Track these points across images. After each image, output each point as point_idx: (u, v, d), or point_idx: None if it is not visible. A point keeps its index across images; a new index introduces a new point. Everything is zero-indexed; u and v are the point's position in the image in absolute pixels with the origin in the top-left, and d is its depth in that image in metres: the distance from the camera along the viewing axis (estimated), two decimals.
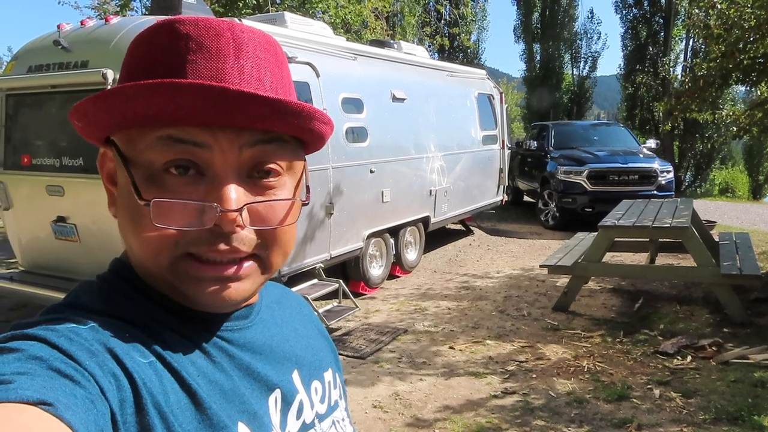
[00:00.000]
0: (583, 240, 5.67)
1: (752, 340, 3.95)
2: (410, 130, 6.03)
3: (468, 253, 7.44)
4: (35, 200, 4.13)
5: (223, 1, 9.06)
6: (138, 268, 0.53)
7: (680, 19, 15.90)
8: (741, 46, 5.62)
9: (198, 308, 0.52)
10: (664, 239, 5.64)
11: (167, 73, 0.47)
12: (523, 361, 3.82)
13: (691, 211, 5.08)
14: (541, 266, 5.12)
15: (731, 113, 7.11)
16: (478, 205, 7.72)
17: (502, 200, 8.45)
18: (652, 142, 10.61)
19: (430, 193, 6.39)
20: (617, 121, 17.78)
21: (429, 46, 15.56)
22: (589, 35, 20.43)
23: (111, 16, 4.15)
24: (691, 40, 16.32)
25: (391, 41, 7.43)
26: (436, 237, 7.45)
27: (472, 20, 19.08)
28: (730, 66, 5.71)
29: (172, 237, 0.48)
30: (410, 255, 6.35)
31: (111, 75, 3.52)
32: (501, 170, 8.15)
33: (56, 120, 4.06)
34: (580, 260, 4.78)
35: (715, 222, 8.43)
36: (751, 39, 5.60)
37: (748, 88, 7.63)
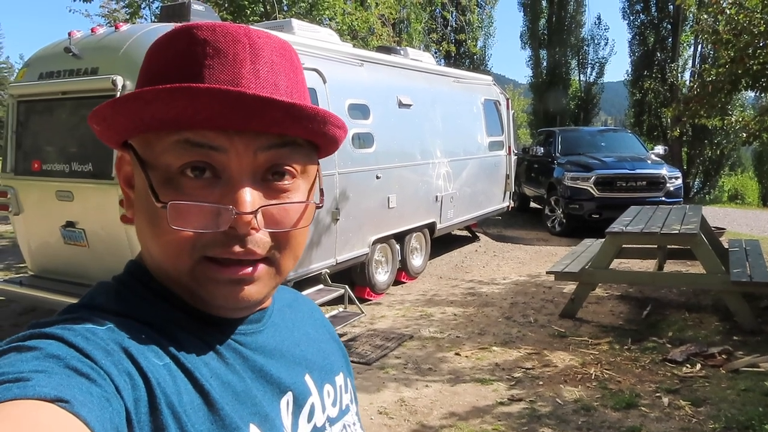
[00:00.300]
0: (591, 246, 5.63)
1: (762, 348, 3.91)
2: (416, 136, 6.03)
3: (474, 259, 7.42)
4: (45, 205, 4.17)
5: (230, 8, 9.13)
6: (155, 270, 0.54)
7: (688, 25, 15.82)
8: (750, 51, 5.60)
9: (214, 312, 0.53)
10: (673, 246, 5.60)
11: (185, 78, 0.48)
12: (529, 368, 3.79)
13: (700, 217, 5.05)
14: (547, 273, 5.10)
15: (740, 119, 7.05)
16: (484, 211, 7.71)
17: (508, 206, 8.42)
18: (660, 149, 10.53)
19: (436, 199, 6.39)
20: (625, 127, 17.70)
21: (435, 53, 15.60)
22: (596, 41, 20.38)
23: (121, 24, 4.20)
24: (700, 46, 16.25)
25: (398, 47, 7.44)
26: (442, 243, 7.44)
27: (479, 27, 19.09)
28: (740, 71, 5.68)
29: (189, 240, 0.49)
30: (416, 261, 6.35)
31: (120, 81, 3.56)
32: (507, 176, 8.14)
33: (66, 126, 4.10)
34: (587, 267, 4.75)
35: (725, 229, 8.36)
36: (761, 44, 5.58)
37: (757, 93, 7.61)
